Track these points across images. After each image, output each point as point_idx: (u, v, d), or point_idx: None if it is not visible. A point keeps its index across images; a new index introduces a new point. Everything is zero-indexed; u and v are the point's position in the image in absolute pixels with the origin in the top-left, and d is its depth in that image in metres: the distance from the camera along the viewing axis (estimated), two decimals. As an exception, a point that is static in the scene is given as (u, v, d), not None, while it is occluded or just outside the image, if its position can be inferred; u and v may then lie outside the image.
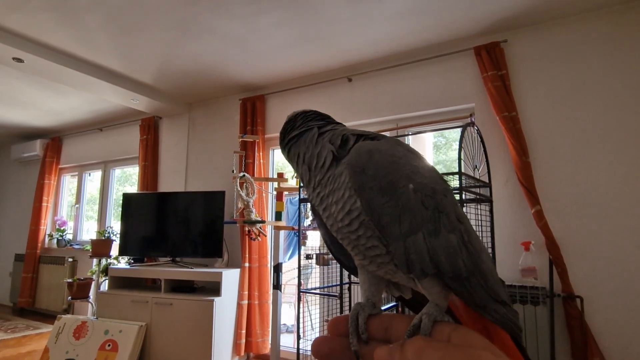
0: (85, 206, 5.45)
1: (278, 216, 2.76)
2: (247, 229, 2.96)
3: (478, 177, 2.19)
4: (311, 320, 3.87)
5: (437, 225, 0.33)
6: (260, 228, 2.84)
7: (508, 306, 0.38)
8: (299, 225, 2.60)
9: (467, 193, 2.07)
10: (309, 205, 2.70)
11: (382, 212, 0.31)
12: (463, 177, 1.99)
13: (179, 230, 3.79)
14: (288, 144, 0.40)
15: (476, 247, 0.36)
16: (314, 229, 2.69)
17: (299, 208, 2.64)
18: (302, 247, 2.63)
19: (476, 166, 2.18)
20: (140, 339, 3.21)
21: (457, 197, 2.12)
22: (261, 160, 3.56)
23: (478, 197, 2.27)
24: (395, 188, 0.32)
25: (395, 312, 2.24)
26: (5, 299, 5.75)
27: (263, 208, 3.41)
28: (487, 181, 2.34)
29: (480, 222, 2.27)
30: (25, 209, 5.58)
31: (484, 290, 0.35)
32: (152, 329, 3.25)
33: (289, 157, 0.41)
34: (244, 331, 3.33)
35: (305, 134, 0.38)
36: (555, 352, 2.25)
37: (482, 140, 2.35)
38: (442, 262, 0.33)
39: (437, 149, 4.80)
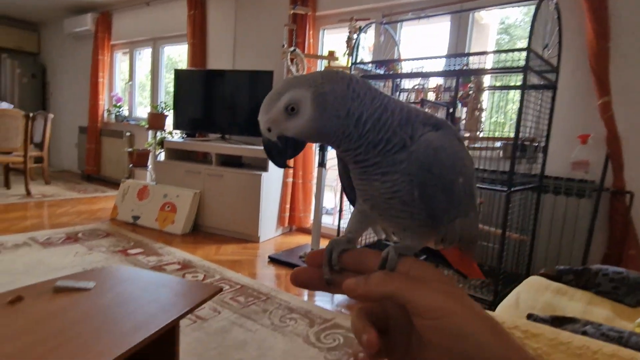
0: (137, 85, 5.64)
1: (326, 96, 2.74)
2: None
3: (546, 59, 2.03)
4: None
5: (469, 208, 0.38)
6: (309, 106, 2.85)
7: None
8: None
9: (530, 74, 1.94)
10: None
11: (437, 205, 0.35)
12: (530, 55, 1.85)
13: (227, 108, 3.90)
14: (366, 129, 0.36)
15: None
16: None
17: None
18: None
19: (547, 45, 2.00)
20: (195, 204, 3.56)
21: (519, 78, 2.00)
22: (311, 40, 3.44)
23: (541, 82, 2.14)
24: (453, 185, 0.35)
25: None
26: (74, 167, 6.40)
27: (311, 89, 3.38)
28: (555, 65, 2.17)
29: (539, 109, 2.17)
30: (83, 84, 5.86)
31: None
32: (205, 196, 3.57)
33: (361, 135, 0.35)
34: (288, 206, 3.59)
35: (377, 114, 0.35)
36: (590, 243, 2.30)
37: (558, 17, 2.11)
38: (464, 236, 0.39)
39: (499, 47, 4.40)
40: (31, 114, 4.54)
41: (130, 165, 4.40)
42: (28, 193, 4.52)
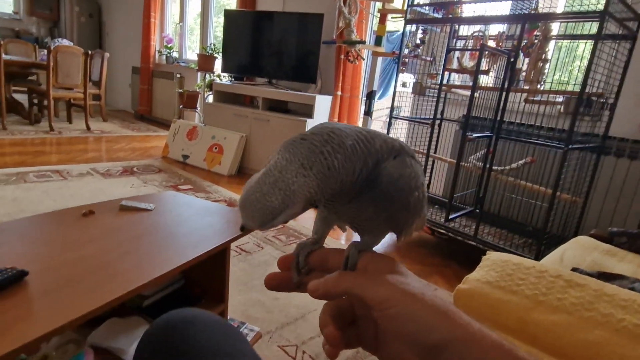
0: (187, 26, 5.66)
1: (378, 41, 2.64)
2: (345, 51, 2.91)
3: (630, 4, 1.82)
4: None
5: (422, 208, 0.41)
6: (359, 51, 2.76)
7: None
8: (400, 50, 2.49)
9: (610, 20, 1.76)
10: (413, 28, 2.53)
11: (399, 221, 0.39)
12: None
13: (275, 53, 3.86)
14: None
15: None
16: (414, 56, 2.57)
17: (403, 32, 2.49)
18: (400, 75, 2.57)
19: (633, -12, 1.78)
20: (241, 147, 3.66)
21: (595, 27, 1.82)
22: (365, -19, 3.26)
23: (619, 31, 1.94)
24: (410, 202, 0.38)
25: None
26: (127, 107, 6.70)
27: (362, 32, 3.26)
28: (639, 12, 1.94)
29: (613, 61, 1.99)
30: (136, 24, 5.96)
31: None
32: (251, 140, 3.66)
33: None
34: (330, 153, 3.61)
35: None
36: (649, 210, 2.17)
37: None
38: (417, 228, 0.43)
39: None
40: (89, 52, 4.73)
41: (180, 106, 4.55)
42: (88, 128, 4.82)
